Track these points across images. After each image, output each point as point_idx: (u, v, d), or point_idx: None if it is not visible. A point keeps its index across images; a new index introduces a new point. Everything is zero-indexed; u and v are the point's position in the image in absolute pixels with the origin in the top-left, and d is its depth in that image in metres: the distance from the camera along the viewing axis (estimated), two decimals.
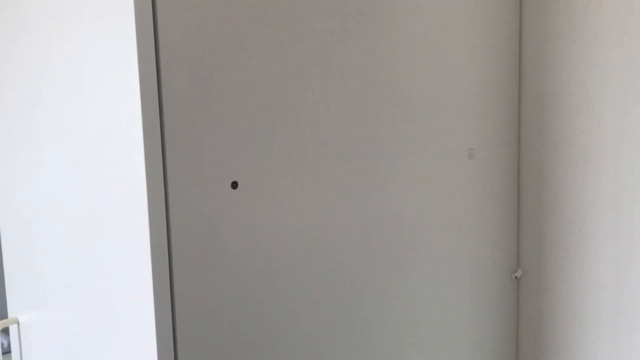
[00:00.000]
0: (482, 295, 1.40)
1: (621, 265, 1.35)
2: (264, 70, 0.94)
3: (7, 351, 2.10)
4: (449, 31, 1.25)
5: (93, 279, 0.98)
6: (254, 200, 0.94)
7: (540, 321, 1.49)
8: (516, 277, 1.49)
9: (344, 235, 1.08)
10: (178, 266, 0.86)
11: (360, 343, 1.14)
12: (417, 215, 1.22)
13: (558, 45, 1.38)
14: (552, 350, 1.47)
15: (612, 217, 1.35)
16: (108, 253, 0.93)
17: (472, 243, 1.36)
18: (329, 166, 1.04)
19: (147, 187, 0.81)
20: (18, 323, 1.23)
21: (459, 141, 1.29)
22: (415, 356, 1.26)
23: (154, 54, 0.81)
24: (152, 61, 0.81)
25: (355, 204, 1.10)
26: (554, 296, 1.45)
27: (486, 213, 1.39)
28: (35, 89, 1.05)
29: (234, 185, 0.91)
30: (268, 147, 0.95)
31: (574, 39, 1.36)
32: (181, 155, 0.85)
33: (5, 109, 1.16)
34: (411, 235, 1.21)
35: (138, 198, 0.83)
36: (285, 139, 0.98)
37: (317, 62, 1.01)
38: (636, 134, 1.30)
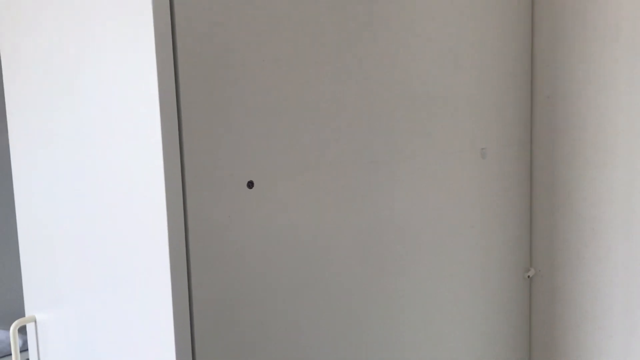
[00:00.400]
0: (494, 294, 1.41)
1: (634, 264, 1.34)
2: (279, 71, 0.95)
3: (23, 349, 2.11)
4: (462, 32, 1.25)
5: (111, 278, 0.99)
6: (270, 199, 0.95)
7: (552, 320, 1.49)
8: (529, 276, 1.49)
9: (358, 234, 1.09)
10: (195, 265, 0.87)
11: (372, 341, 1.15)
12: (430, 214, 1.23)
13: (570, 45, 1.38)
14: (564, 348, 1.47)
15: (625, 216, 1.35)
16: (126, 252, 0.94)
17: (485, 242, 1.36)
18: (343, 166, 1.05)
19: (166, 186, 0.83)
20: (35, 321, 1.24)
21: (472, 141, 1.29)
22: (427, 355, 1.26)
23: (172, 55, 0.82)
24: (170, 62, 0.82)
25: (368, 203, 1.10)
26: (566, 295, 1.45)
27: (498, 212, 1.39)
28: (54, 91, 1.06)
29: (250, 185, 0.92)
30: (283, 147, 0.96)
31: (586, 38, 1.36)
32: (198, 155, 0.86)
33: (24, 110, 1.17)
34: (424, 234, 1.22)
35: (156, 198, 0.84)
36: (300, 139, 0.98)
37: (332, 63, 1.02)
38: None
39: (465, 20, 1.26)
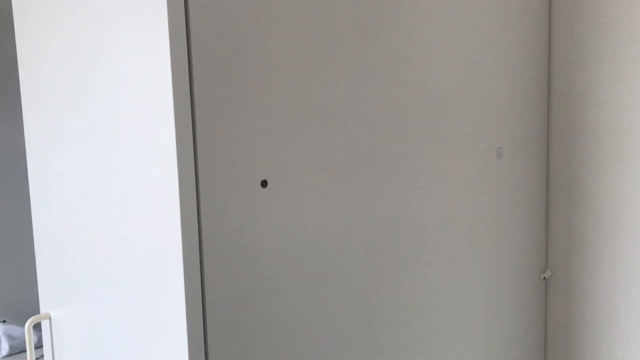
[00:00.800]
0: (509, 296, 1.39)
1: None
2: (293, 69, 0.95)
3: (38, 346, 2.13)
4: (478, 30, 1.24)
5: (124, 276, 0.99)
6: (283, 198, 0.95)
7: (568, 322, 1.47)
8: (544, 278, 1.47)
9: (370, 234, 1.08)
10: (209, 263, 0.87)
11: (384, 342, 1.14)
12: (444, 214, 1.22)
13: (588, 44, 1.36)
14: (580, 351, 1.45)
15: None
16: (139, 251, 0.94)
17: (500, 243, 1.35)
18: (357, 165, 1.04)
19: (179, 185, 0.82)
20: (50, 319, 1.25)
21: (488, 140, 1.28)
22: (440, 357, 1.25)
23: (186, 54, 0.82)
24: (184, 61, 0.82)
25: (381, 203, 1.09)
26: (583, 297, 1.43)
27: (514, 213, 1.38)
28: (69, 89, 1.07)
29: (264, 184, 0.92)
30: (297, 146, 0.96)
31: (604, 38, 1.34)
32: (212, 154, 0.86)
33: (40, 109, 1.18)
34: (438, 235, 1.21)
35: (170, 196, 0.84)
36: (314, 138, 0.98)
37: (346, 62, 1.01)
38: None
39: (481, 19, 1.24)
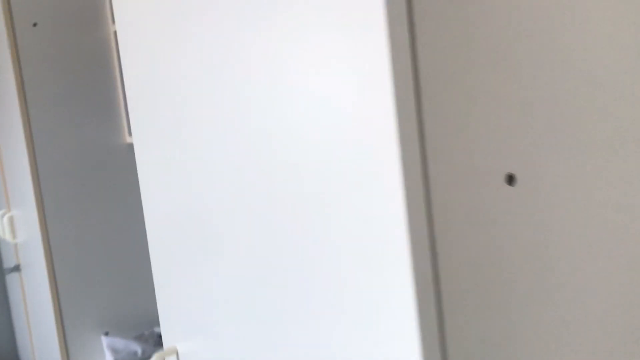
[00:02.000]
0: None
1: None
2: (541, 35, 0.64)
3: (143, 358, 1.99)
4: None
5: (295, 304, 0.72)
6: (537, 197, 0.64)
7: None
8: None
9: None
10: (447, 293, 0.57)
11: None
12: None
13: None
14: None
15: None
16: (345, 271, 0.66)
17: None
18: (622, 147, 0.72)
19: (404, 185, 0.53)
20: (177, 353, 1.01)
21: None
22: None
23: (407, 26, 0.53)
24: (404, 25, 0.53)
25: None
26: None
27: None
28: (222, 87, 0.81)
29: (510, 179, 0.61)
30: (554, 129, 0.64)
31: None
32: (443, 143, 0.56)
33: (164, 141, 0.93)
34: None
35: (391, 201, 0.55)
36: (577, 118, 0.66)
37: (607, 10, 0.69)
38: None
39: None
